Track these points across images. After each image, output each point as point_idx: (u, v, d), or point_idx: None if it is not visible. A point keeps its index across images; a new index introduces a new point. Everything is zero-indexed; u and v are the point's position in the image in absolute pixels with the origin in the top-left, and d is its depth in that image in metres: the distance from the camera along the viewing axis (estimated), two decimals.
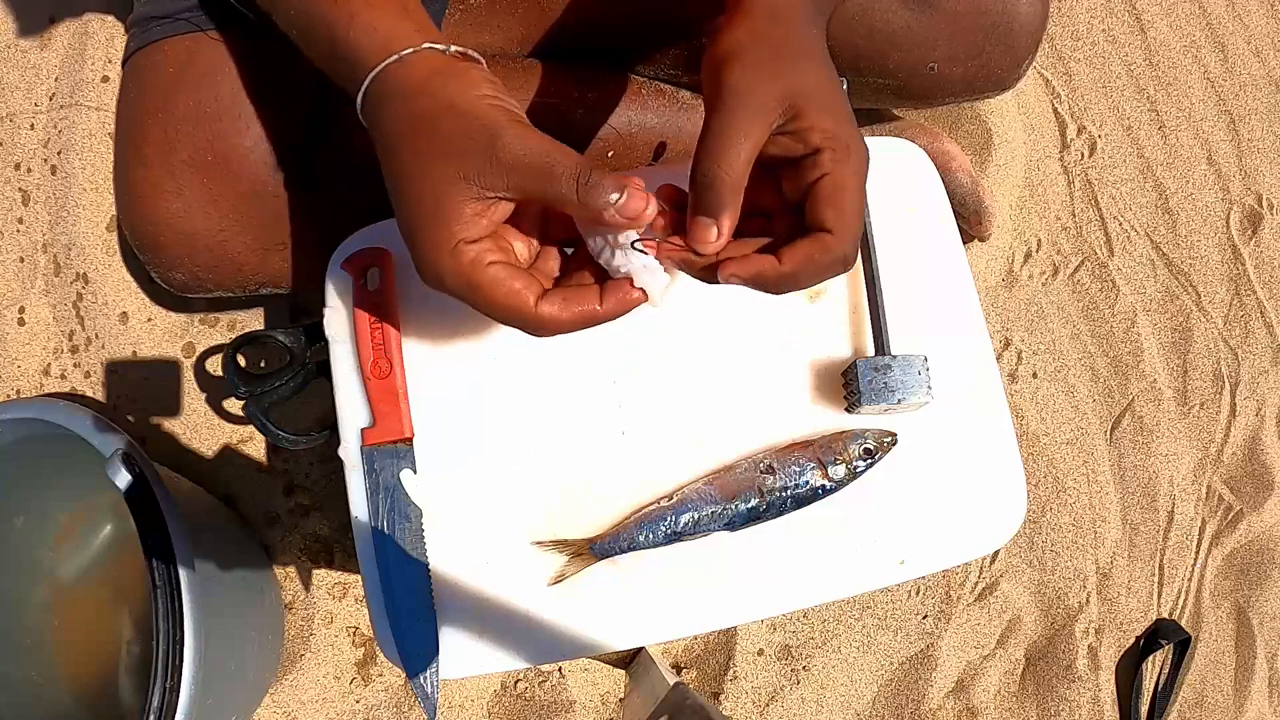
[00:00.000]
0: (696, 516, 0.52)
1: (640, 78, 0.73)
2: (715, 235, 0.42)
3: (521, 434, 0.54)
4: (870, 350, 0.56)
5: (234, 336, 0.63)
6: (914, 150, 0.60)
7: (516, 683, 0.83)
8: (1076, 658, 0.90)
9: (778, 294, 0.44)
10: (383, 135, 0.44)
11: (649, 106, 0.71)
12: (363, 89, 0.44)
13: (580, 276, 0.45)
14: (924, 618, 0.89)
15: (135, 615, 0.77)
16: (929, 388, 0.53)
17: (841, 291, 0.57)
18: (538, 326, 0.43)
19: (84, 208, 0.85)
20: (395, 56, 0.44)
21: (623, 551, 0.52)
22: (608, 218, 0.41)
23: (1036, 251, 0.97)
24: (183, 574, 0.57)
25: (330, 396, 0.55)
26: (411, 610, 0.51)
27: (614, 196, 0.40)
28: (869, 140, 0.57)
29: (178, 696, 0.55)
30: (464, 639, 0.52)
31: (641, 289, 0.44)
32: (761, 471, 0.53)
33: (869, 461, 0.53)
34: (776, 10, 0.45)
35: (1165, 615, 0.93)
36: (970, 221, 0.88)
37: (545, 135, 0.42)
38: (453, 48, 0.45)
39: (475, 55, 0.47)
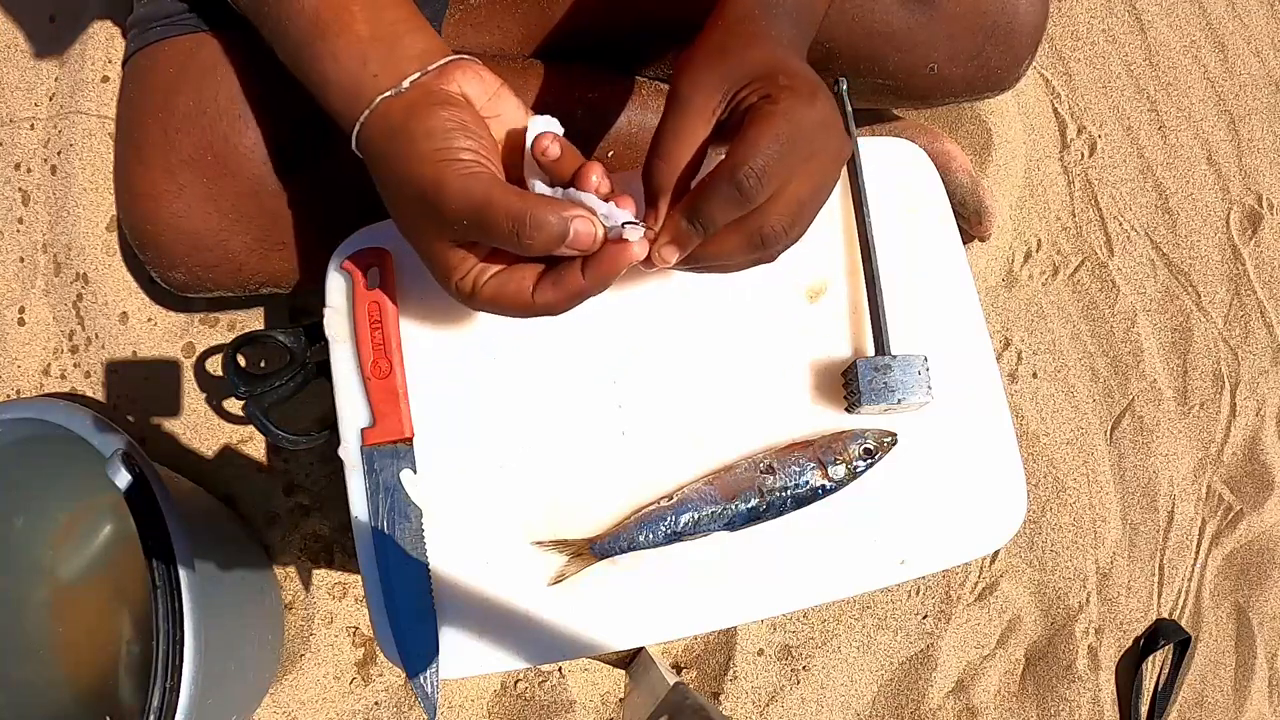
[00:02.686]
0: (696, 516, 0.52)
1: (641, 78, 0.73)
2: (653, 220, 0.45)
3: (522, 434, 0.54)
4: (870, 350, 0.56)
5: (234, 336, 0.63)
6: (914, 150, 0.60)
7: (516, 683, 0.83)
8: (1076, 658, 0.90)
9: (700, 268, 0.46)
10: (374, 178, 0.47)
11: (649, 106, 0.71)
12: (357, 128, 0.47)
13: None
14: (924, 618, 0.89)
15: (135, 615, 0.77)
16: (929, 388, 0.53)
17: (841, 291, 0.57)
18: (543, 314, 0.45)
19: (84, 208, 0.85)
20: (368, 111, 0.46)
21: (623, 551, 0.52)
22: (560, 254, 0.43)
23: (1036, 251, 0.97)
24: (183, 574, 0.57)
25: (330, 396, 0.55)
26: (411, 610, 0.51)
27: (560, 234, 0.42)
28: (870, 140, 0.58)
29: (178, 696, 0.55)
30: (464, 639, 0.52)
31: (616, 250, 0.44)
32: (761, 471, 0.53)
33: (869, 461, 0.53)
34: (734, 16, 0.47)
35: (1165, 615, 0.93)
36: (970, 221, 0.88)
37: (490, 180, 0.43)
38: (430, 68, 0.47)
39: (464, 57, 0.48)
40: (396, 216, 0.47)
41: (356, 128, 0.47)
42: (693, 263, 0.46)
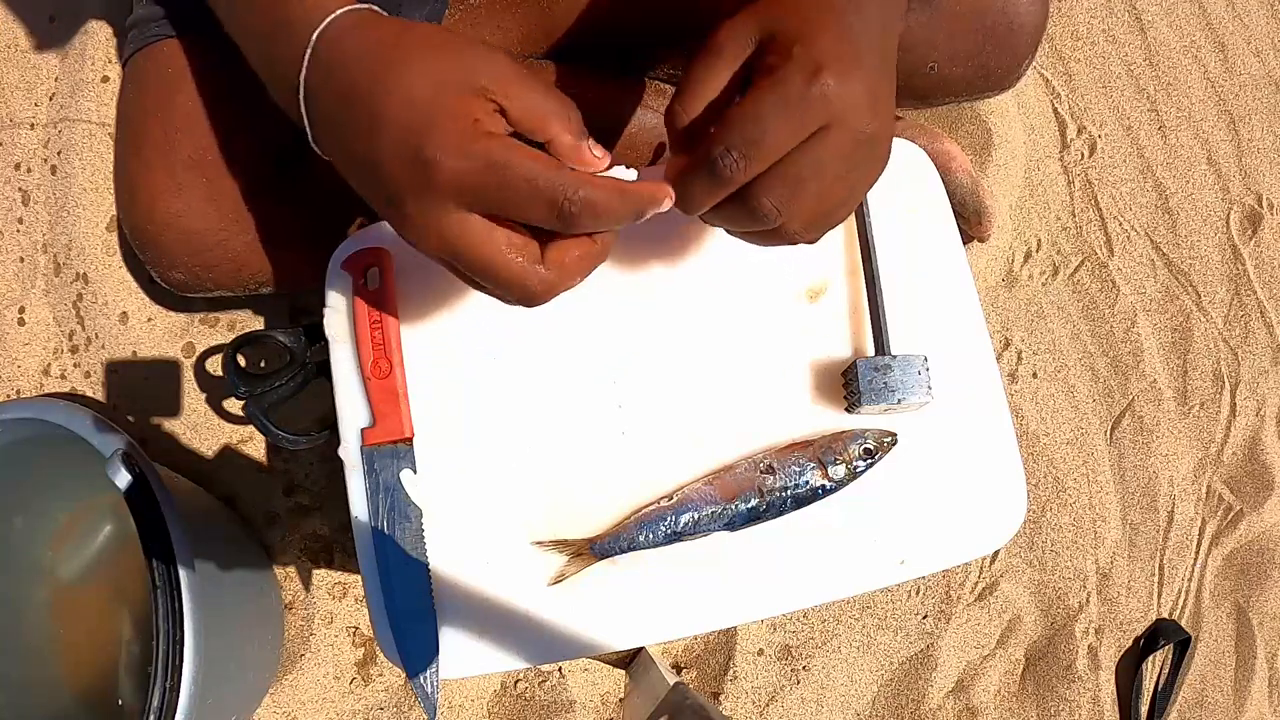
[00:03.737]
0: (696, 516, 0.52)
1: (641, 78, 0.73)
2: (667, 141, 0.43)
3: (522, 434, 0.54)
4: (870, 350, 0.56)
5: (234, 336, 0.63)
6: (914, 150, 0.60)
7: (516, 683, 0.83)
8: (1076, 658, 0.90)
9: (716, 214, 0.42)
10: (362, 53, 0.41)
11: (649, 106, 0.71)
12: (326, 21, 0.42)
13: None
14: (924, 618, 0.89)
15: (135, 615, 0.77)
16: (929, 388, 0.53)
17: (841, 291, 0.57)
18: (579, 189, 0.39)
19: (84, 208, 0.85)
20: (349, 8, 0.42)
21: (623, 551, 0.52)
22: (584, 150, 0.41)
23: (1036, 251, 0.97)
24: (183, 574, 0.57)
25: (330, 396, 0.55)
26: (411, 610, 0.51)
27: (584, 135, 0.41)
28: None
29: (178, 696, 0.55)
30: (464, 639, 0.52)
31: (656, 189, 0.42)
32: (761, 471, 0.53)
33: (869, 461, 0.53)
34: None
35: (1165, 615, 0.93)
36: (970, 221, 0.88)
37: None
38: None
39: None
40: (399, 57, 0.40)
41: (346, 9, 0.42)
42: (711, 221, 0.43)
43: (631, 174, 0.44)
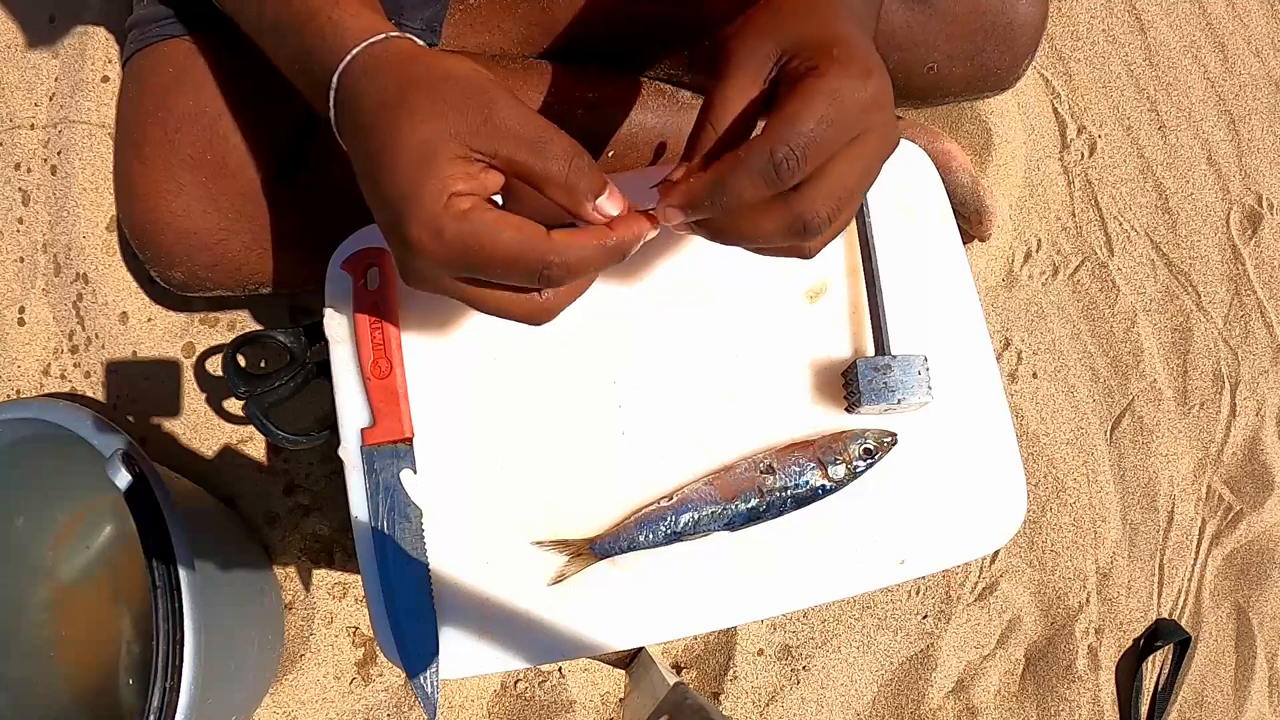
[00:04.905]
0: (696, 516, 0.52)
1: (641, 78, 0.73)
2: (682, 173, 0.42)
3: (522, 434, 0.54)
4: (870, 350, 0.56)
5: (234, 336, 0.63)
6: (914, 150, 0.60)
7: (516, 683, 0.83)
8: (1076, 658, 0.90)
9: (730, 241, 0.42)
10: (367, 105, 0.41)
11: (649, 106, 0.71)
12: (345, 61, 0.43)
13: None
14: (924, 618, 0.89)
15: (135, 615, 0.77)
16: (929, 388, 0.53)
17: (841, 291, 0.57)
18: (553, 256, 0.39)
19: (84, 208, 0.85)
20: (383, 35, 0.43)
21: (623, 551, 0.52)
22: (587, 209, 0.41)
23: (1036, 251, 0.97)
24: (183, 574, 0.57)
25: (330, 396, 0.55)
26: (411, 610, 0.51)
27: (596, 190, 0.40)
28: None
29: (178, 696, 0.55)
30: (464, 639, 0.52)
31: (649, 217, 0.42)
32: (761, 471, 0.53)
33: (869, 461, 0.53)
34: None
35: (1165, 615, 0.93)
36: (970, 221, 0.88)
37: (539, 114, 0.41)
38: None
39: None
40: (401, 116, 0.40)
41: (375, 39, 0.43)
42: (725, 236, 0.42)
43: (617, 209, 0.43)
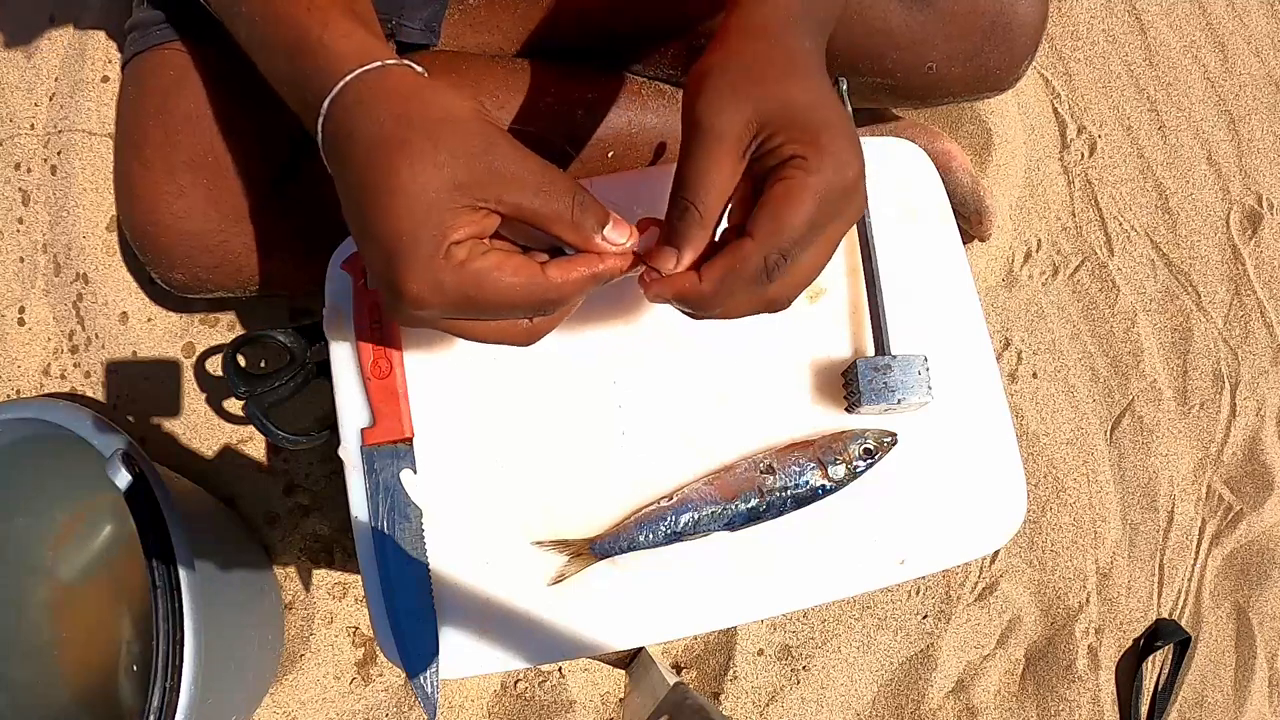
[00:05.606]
0: (696, 516, 0.52)
1: (640, 78, 0.73)
2: (674, 264, 0.42)
3: (522, 434, 0.54)
4: (870, 350, 0.56)
5: (234, 336, 0.63)
6: (914, 150, 0.60)
7: (516, 683, 0.83)
8: (1076, 658, 0.90)
9: (701, 317, 0.43)
10: (360, 140, 0.40)
11: (649, 107, 0.71)
12: (335, 90, 0.41)
13: None
14: (924, 618, 0.89)
15: (135, 615, 0.77)
16: (929, 388, 0.53)
17: (841, 291, 0.57)
18: (551, 292, 0.41)
19: (84, 208, 0.85)
20: (377, 64, 0.41)
21: (623, 551, 0.52)
22: (596, 242, 0.41)
23: (1036, 251, 0.97)
24: (183, 574, 0.57)
25: (330, 396, 0.55)
26: (411, 610, 0.51)
27: (602, 222, 0.41)
28: (870, 140, 0.58)
29: (178, 696, 0.55)
30: (464, 639, 0.52)
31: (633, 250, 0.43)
32: (761, 471, 0.53)
33: (869, 461, 0.53)
34: (755, 28, 0.43)
35: (1165, 615, 0.93)
36: (970, 221, 0.88)
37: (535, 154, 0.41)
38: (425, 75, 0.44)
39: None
40: (399, 159, 0.39)
41: (369, 66, 0.41)
42: (700, 316, 0.43)
43: (627, 241, 0.43)
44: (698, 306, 0.42)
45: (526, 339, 0.44)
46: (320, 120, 0.42)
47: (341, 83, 0.41)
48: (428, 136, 0.39)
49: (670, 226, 0.42)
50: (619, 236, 0.42)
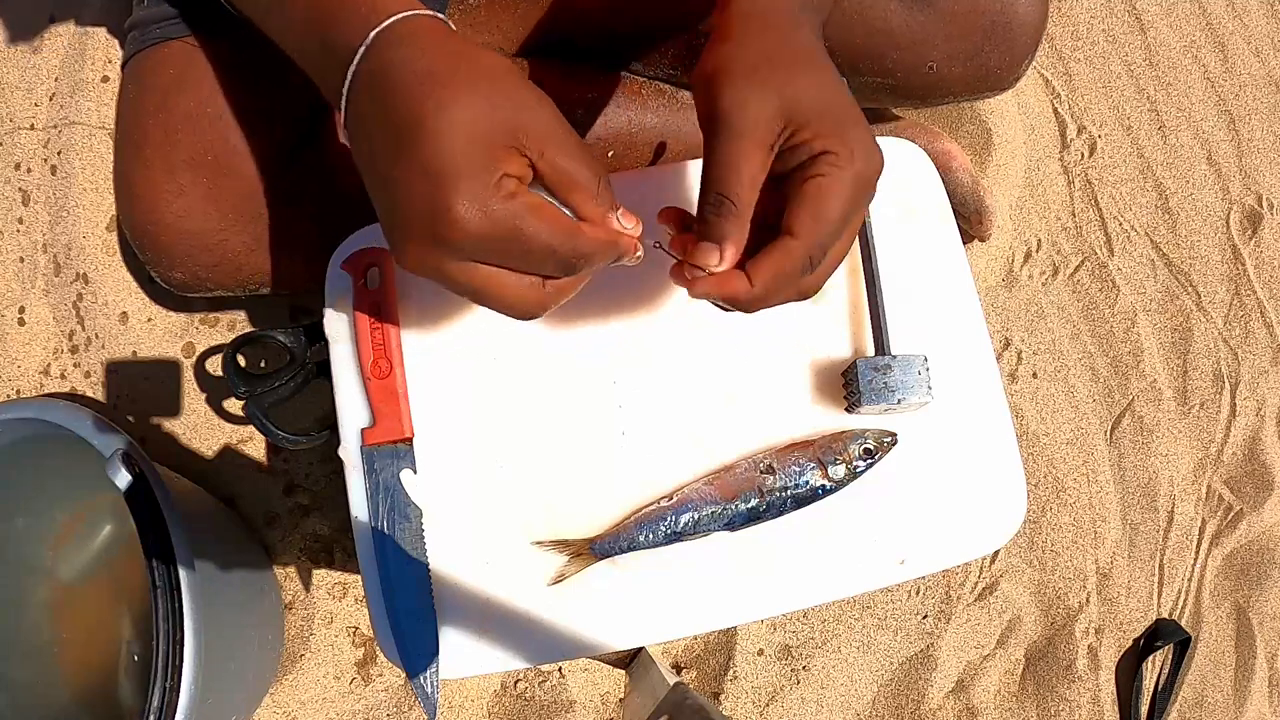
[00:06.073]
0: (696, 516, 0.52)
1: (640, 77, 0.73)
2: (718, 260, 0.42)
3: (522, 434, 0.54)
4: (870, 350, 0.56)
5: (234, 336, 0.63)
6: (914, 150, 0.60)
7: (516, 683, 0.83)
8: (1076, 658, 0.89)
9: (751, 313, 0.44)
10: (409, 72, 0.39)
11: (649, 106, 0.71)
12: (382, 26, 0.41)
13: None
14: (924, 618, 0.89)
15: (135, 615, 0.77)
16: (929, 388, 0.53)
17: (841, 292, 0.57)
18: (584, 245, 0.41)
19: (84, 208, 0.85)
20: (427, 12, 0.42)
21: (623, 551, 0.52)
22: (610, 219, 0.42)
23: (1036, 251, 0.97)
24: (183, 574, 0.57)
25: (330, 396, 0.55)
26: (411, 610, 0.51)
27: (615, 206, 0.42)
28: None
29: (178, 696, 0.55)
30: (464, 639, 0.52)
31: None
32: (761, 471, 0.53)
33: (869, 461, 0.53)
34: (762, 15, 0.44)
35: (1165, 615, 0.93)
36: (970, 221, 0.88)
37: None
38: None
39: None
40: (449, 82, 0.39)
41: (407, 13, 0.41)
42: (736, 311, 0.44)
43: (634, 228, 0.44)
44: (744, 305, 0.43)
45: (537, 306, 0.43)
46: (355, 62, 0.41)
47: (388, 20, 0.41)
48: (484, 77, 0.40)
49: (707, 223, 0.42)
50: (628, 223, 0.43)
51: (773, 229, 0.43)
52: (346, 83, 0.42)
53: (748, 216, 0.42)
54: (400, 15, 0.41)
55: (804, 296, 0.44)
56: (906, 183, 0.59)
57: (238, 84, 0.62)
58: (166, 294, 0.84)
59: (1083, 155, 1.00)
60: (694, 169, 0.59)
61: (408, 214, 0.39)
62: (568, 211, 0.42)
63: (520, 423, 0.55)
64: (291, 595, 0.83)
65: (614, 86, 0.70)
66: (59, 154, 0.86)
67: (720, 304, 0.44)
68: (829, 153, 0.41)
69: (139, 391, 0.84)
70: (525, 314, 0.43)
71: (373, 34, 0.41)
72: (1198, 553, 0.94)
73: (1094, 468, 0.93)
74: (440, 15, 0.43)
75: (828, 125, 0.41)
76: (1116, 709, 0.90)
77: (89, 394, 0.84)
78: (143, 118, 0.63)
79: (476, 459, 0.54)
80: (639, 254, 0.44)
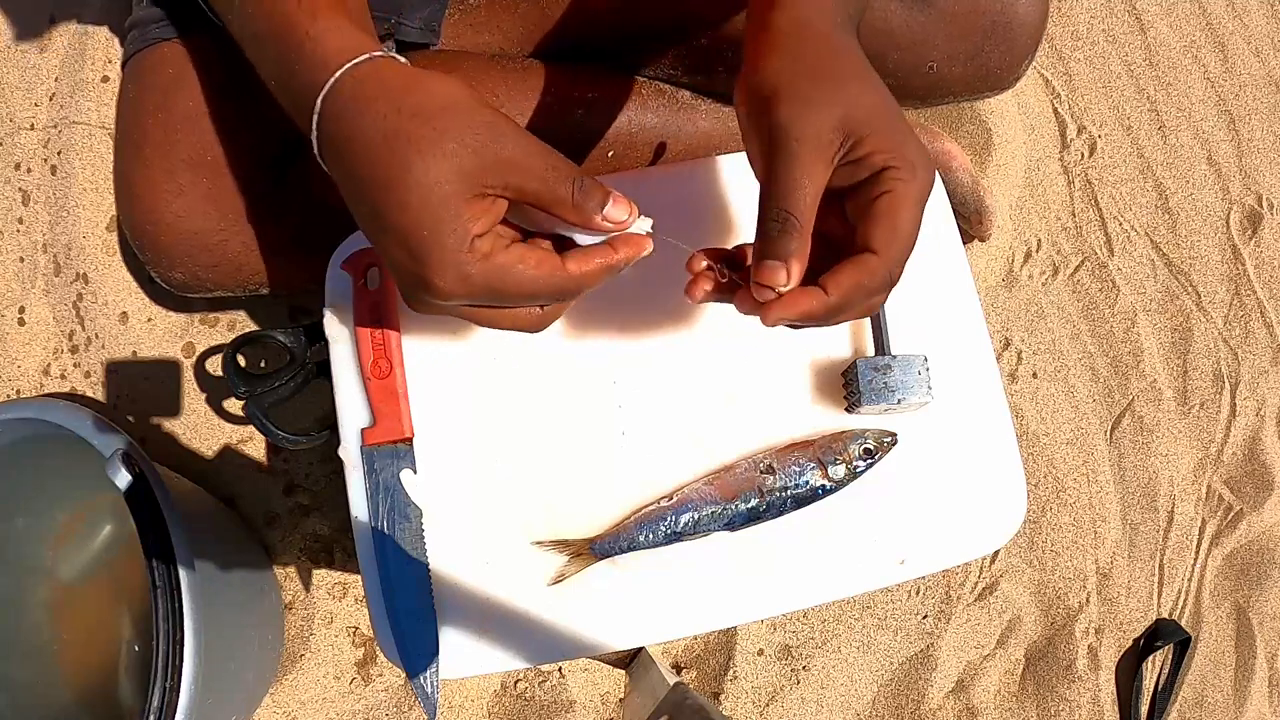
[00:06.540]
0: (696, 516, 0.52)
1: (640, 78, 0.73)
2: (785, 279, 0.41)
3: (522, 434, 0.54)
4: (870, 350, 0.56)
5: (234, 336, 0.63)
6: None
7: (516, 683, 0.83)
8: (1076, 658, 0.89)
9: (828, 326, 0.44)
10: (362, 136, 0.40)
11: (649, 106, 0.71)
12: (327, 87, 0.41)
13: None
14: (924, 618, 0.89)
15: (135, 615, 0.77)
16: (929, 388, 0.53)
17: None
18: (570, 283, 0.42)
19: (84, 208, 0.85)
20: (365, 56, 0.41)
21: (623, 551, 0.52)
22: (597, 221, 0.42)
23: (1036, 251, 0.97)
24: (183, 574, 0.57)
25: (330, 396, 0.55)
26: (411, 610, 0.51)
27: (603, 203, 0.42)
28: None
29: (178, 696, 0.55)
30: (464, 639, 0.52)
31: (646, 234, 0.44)
32: (761, 471, 0.53)
33: (869, 461, 0.53)
34: (809, 26, 0.43)
35: (1165, 615, 0.93)
36: (970, 221, 0.88)
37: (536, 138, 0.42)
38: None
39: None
40: (408, 153, 0.39)
41: (360, 59, 0.41)
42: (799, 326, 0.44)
43: (646, 224, 0.44)
44: (819, 320, 0.42)
45: (539, 324, 0.45)
46: (315, 119, 0.42)
47: (333, 79, 0.41)
48: (432, 127, 0.39)
49: (770, 241, 0.41)
50: (619, 214, 0.42)
51: (825, 243, 0.43)
52: (314, 134, 0.42)
53: (809, 232, 0.41)
54: (341, 71, 0.41)
55: (872, 312, 0.44)
56: None
57: (238, 84, 0.62)
58: (166, 294, 0.84)
59: (1083, 155, 1.00)
60: (694, 169, 0.59)
61: (395, 273, 0.42)
62: (560, 226, 0.43)
63: (520, 423, 0.55)
64: (291, 595, 0.83)
65: (614, 86, 0.70)
66: (59, 154, 0.86)
67: (794, 324, 0.43)
68: (893, 168, 0.41)
69: (139, 391, 0.84)
70: (528, 332, 0.45)
71: (319, 102, 0.41)
72: (1198, 553, 0.94)
73: (1094, 468, 0.93)
74: (383, 53, 0.42)
75: (884, 137, 0.41)
76: (1116, 709, 0.90)
77: (89, 394, 0.84)
78: (142, 117, 0.63)
79: (476, 459, 0.54)
80: (647, 250, 0.44)
